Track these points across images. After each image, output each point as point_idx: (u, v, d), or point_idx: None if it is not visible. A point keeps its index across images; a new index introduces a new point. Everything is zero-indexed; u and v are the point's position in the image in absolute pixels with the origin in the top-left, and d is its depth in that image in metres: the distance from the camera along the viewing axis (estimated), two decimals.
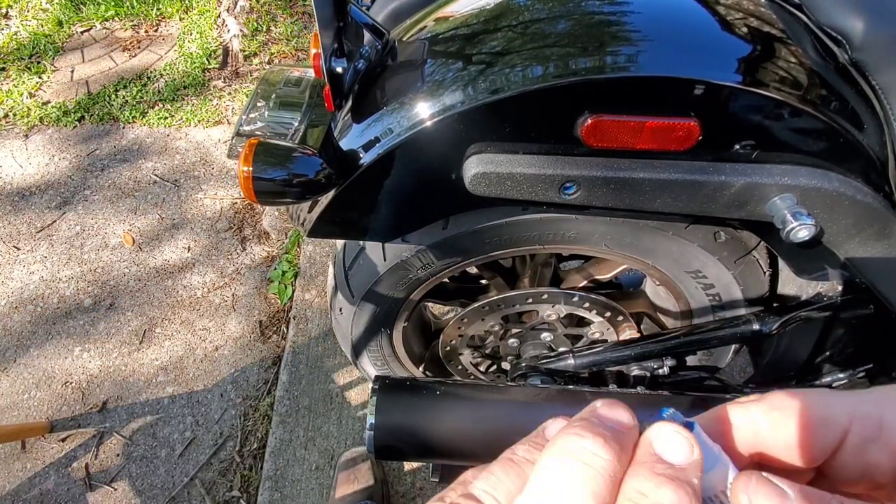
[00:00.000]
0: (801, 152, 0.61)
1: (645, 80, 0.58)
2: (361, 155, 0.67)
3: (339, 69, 0.66)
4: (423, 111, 0.63)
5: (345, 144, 0.68)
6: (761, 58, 0.61)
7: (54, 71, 2.36)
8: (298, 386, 1.48)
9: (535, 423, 0.27)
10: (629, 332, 1.05)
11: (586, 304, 0.99)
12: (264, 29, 2.50)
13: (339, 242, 0.99)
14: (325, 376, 1.49)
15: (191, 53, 2.37)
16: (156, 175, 2.00)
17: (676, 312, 0.99)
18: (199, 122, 2.16)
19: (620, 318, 1.02)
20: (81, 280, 1.74)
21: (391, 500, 1.30)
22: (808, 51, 0.64)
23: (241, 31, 2.46)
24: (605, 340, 1.08)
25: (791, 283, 0.85)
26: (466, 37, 0.67)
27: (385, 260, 0.86)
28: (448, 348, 1.10)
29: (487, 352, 1.15)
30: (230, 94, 2.26)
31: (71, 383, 1.55)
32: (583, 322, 1.08)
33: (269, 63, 2.39)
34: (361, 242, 0.89)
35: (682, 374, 0.99)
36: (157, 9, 2.59)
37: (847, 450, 0.22)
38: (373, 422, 0.71)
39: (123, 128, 2.15)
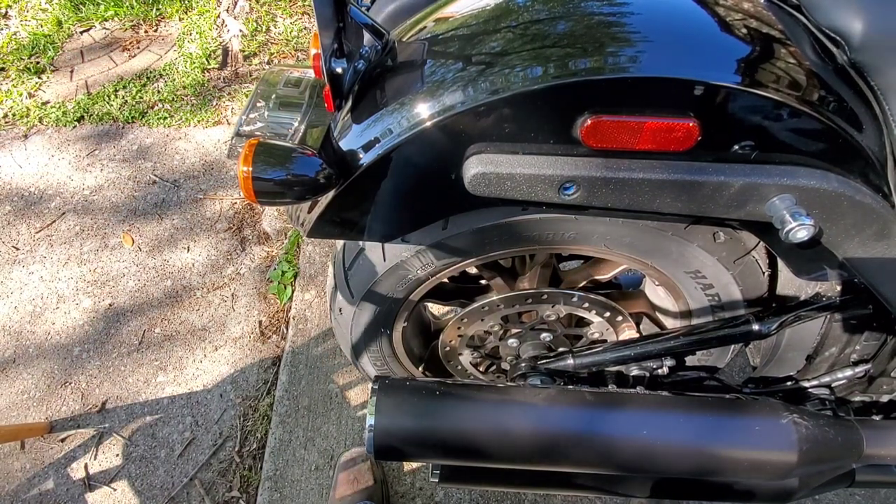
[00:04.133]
0: (801, 153, 0.61)
1: (645, 81, 0.58)
2: (361, 155, 0.67)
3: (339, 69, 0.66)
4: (423, 111, 0.63)
5: (345, 145, 0.68)
6: (760, 59, 0.61)
7: (54, 71, 2.36)
8: (298, 386, 1.48)
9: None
10: (628, 333, 1.05)
11: (586, 305, 0.99)
12: (264, 29, 2.50)
13: (339, 243, 0.99)
14: (324, 376, 1.49)
15: (190, 54, 2.37)
16: (155, 175, 2.00)
17: (676, 313, 0.99)
18: (198, 122, 2.16)
19: (620, 318, 1.02)
20: (80, 280, 1.74)
21: (391, 501, 1.30)
22: (807, 52, 0.64)
23: (240, 31, 2.46)
24: (605, 340, 1.08)
25: (790, 284, 0.85)
26: (466, 37, 0.67)
27: (385, 260, 0.86)
28: (448, 348, 1.10)
29: (487, 352, 1.15)
30: (230, 94, 2.26)
31: (70, 383, 1.54)
32: (582, 322, 1.08)
33: (268, 63, 2.39)
34: (361, 243, 0.89)
35: (682, 374, 0.99)
36: (157, 9, 2.59)
37: None
38: (372, 422, 0.71)
39: (123, 128, 2.15)
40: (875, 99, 0.62)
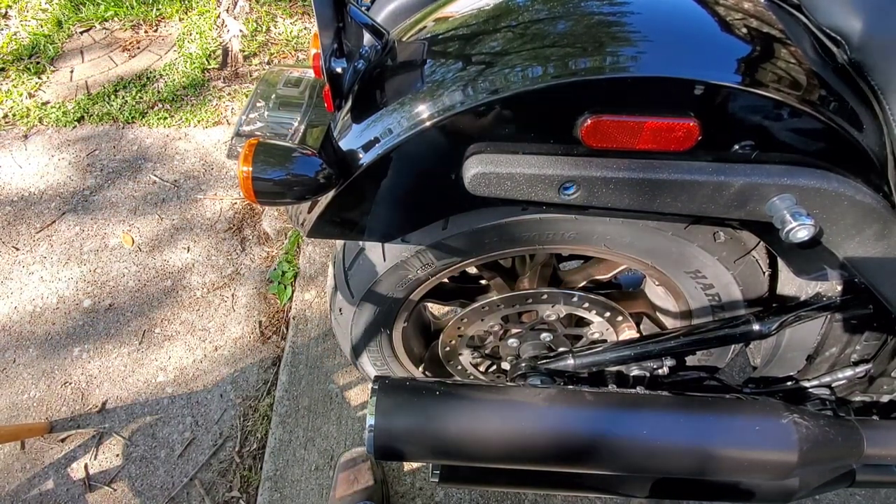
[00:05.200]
0: (801, 153, 0.61)
1: (645, 81, 0.58)
2: (361, 155, 0.67)
3: (339, 69, 0.66)
4: (423, 111, 0.63)
5: (344, 144, 0.68)
6: (761, 58, 0.61)
7: (54, 71, 2.36)
8: (298, 386, 1.48)
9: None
10: (629, 333, 1.05)
11: (586, 305, 0.99)
12: (264, 29, 2.50)
13: (339, 243, 0.99)
14: (324, 376, 1.49)
15: (190, 54, 2.37)
16: (155, 175, 2.00)
17: (676, 312, 0.99)
18: (198, 122, 2.16)
19: (620, 318, 1.02)
20: (80, 280, 1.74)
21: (391, 501, 1.30)
22: (807, 51, 0.64)
23: (240, 31, 2.46)
24: (605, 340, 1.08)
25: (790, 284, 0.85)
26: (466, 37, 0.67)
27: (385, 260, 0.86)
28: (448, 348, 1.10)
29: (487, 352, 1.15)
30: (230, 94, 2.26)
31: (70, 383, 1.54)
32: (582, 322, 1.08)
33: (268, 63, 2.39)
34: (361, 243, 0.89)
35: (682, 374, 0.99)
36: (157, 9, 2.59)
37: None
38: (372, 422, 0.71)
39: (123, 128, 2.15)
40: (875, 99, 0.62)
